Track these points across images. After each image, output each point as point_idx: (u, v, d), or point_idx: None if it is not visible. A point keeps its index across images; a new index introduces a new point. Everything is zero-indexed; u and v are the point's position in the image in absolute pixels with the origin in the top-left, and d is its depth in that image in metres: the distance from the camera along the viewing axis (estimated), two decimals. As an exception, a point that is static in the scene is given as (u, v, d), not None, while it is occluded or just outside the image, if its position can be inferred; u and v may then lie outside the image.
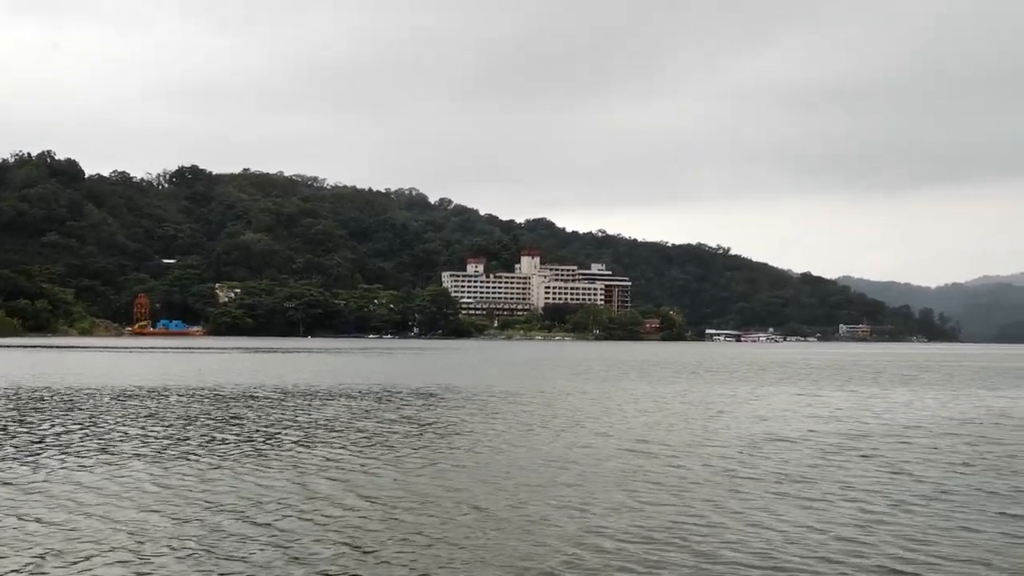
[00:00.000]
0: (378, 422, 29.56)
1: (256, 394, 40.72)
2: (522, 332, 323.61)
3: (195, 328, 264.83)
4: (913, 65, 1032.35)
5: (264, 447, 23.51)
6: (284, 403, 36.05)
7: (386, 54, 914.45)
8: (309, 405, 35.34)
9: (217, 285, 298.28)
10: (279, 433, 26.47)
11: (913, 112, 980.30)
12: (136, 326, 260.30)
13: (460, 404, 36.52)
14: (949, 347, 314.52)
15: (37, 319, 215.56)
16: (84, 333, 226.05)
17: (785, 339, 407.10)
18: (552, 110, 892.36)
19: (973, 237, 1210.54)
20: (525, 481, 18.52)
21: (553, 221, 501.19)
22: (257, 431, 26.94)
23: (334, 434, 26.27)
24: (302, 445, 23.83)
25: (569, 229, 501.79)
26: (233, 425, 28.37)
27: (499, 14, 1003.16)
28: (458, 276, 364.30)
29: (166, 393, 40.38)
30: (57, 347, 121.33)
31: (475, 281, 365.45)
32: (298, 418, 30.58)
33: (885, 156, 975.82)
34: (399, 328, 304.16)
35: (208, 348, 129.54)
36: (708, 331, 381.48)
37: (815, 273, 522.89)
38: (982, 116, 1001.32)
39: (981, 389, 52.08)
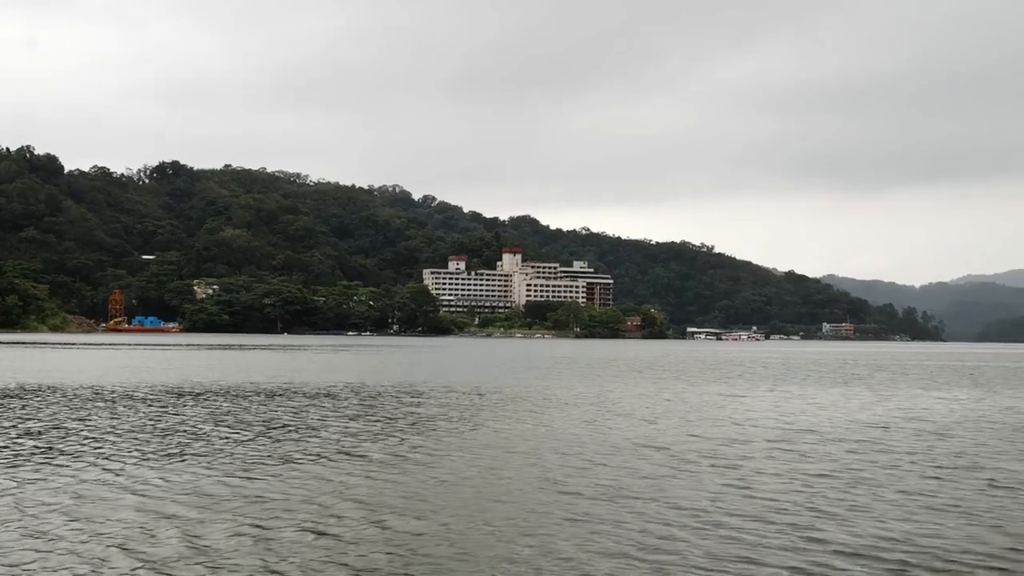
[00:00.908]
0: (243, 423, 28.52)
1: (139, 395, 39.58)
2: (502, 330, 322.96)
3: (171, 325, 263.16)
4: (899, 66, 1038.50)
5: (174, 449, 22.39)
6: (194, 402, 34.98)
7: (374, 53, 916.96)
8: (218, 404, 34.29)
9: (195, 281, 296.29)
10: (188, 432, 25.37)
11: (899, 112, 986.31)
12: (111, 323, 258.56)
13: (397, 401, 35.53)
14: (928, 346, 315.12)
15: (8, 315, 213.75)
16: (55, 329, 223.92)
17: (768, 337, 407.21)
18: (538, 109, 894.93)
19: (958, 236, 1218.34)
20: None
21: (537, 219, 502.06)
22: (158, 431, 25.85)
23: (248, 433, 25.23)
24: (217, 442, 22.77)
25: (553, 227, 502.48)
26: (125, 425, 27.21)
27: (486, 15, 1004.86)
28: (439, 273, 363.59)
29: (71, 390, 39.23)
30: (18, 344, 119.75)
31: (457, 278, 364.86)
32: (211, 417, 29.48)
33: (871, 156, 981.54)
34: (379, 325, 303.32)
35: (167, 345, 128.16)
36: (690, 329, 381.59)
37: (800, 272, 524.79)
38: (968, 117, 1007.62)
39: (919, 390, 51.27)
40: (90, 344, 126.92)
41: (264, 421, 29.56)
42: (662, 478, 19.41)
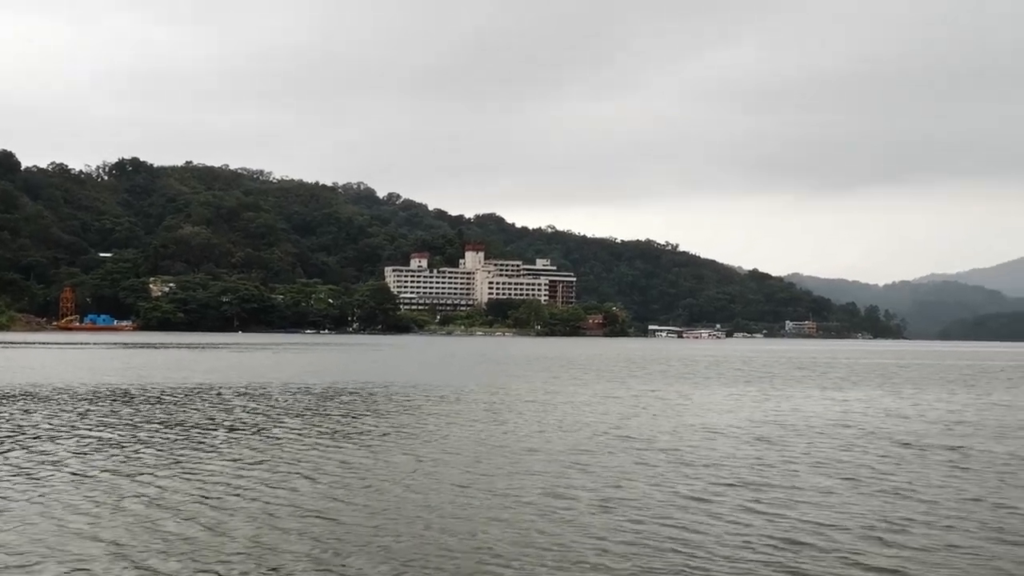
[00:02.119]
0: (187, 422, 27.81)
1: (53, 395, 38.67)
2: (463, 328, 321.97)
3: (124, 323, 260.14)
4: (865, 65, 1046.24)
5: (96, 456, 21.64)
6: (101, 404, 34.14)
7: (340, 50, 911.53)
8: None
9: (151, 279, 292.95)
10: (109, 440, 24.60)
11: (865, 112, 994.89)
12: (64, 321, 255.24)
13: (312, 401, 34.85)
14: (882, 344, 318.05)
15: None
16: (0, 328, 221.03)
17: (732, 335, 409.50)
18: (505, 106, 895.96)
19: (923, 236, 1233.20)
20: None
21: (503, 217, 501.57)
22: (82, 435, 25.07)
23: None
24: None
25: (519, 225, 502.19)
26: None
27: (453, 12, 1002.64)
28: (401, 271, 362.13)
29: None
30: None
31: (418, 276, 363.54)
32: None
33: (836, 155, 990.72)
34: (338, 323, 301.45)
35: (102, 344, 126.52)
36: (651, 327, 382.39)
37: (765, 271, 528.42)
38: (934, 116, 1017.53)
39: (817, 390, 51.11)
40: (23, 343, 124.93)
41: (137, 423, 28.85)
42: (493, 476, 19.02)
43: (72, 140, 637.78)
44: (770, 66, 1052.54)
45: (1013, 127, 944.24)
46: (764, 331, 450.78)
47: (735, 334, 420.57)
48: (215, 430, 27.53)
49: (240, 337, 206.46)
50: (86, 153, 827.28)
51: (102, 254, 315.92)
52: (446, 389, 45.70)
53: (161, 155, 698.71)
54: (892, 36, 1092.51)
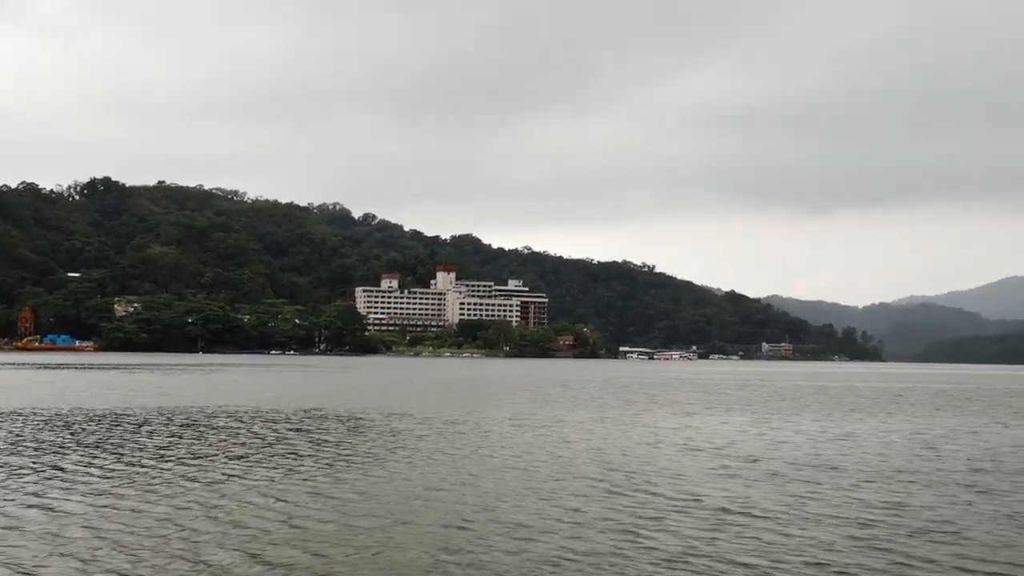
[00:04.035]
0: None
1: None
2: (431, 349, 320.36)
3: (86, 344, 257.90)
4: (844, 89, 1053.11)
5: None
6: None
7: (320, 68, 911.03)
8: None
9: (116, 300, 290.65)
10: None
11: (843, 135, 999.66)
12: (24, 341, 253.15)
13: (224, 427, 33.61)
14: (853, 366, 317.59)
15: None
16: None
17: (707, 357, 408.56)
18: (483, 128, 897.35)
19: (902, 258, 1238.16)
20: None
21: (479, 238, 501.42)
22: None
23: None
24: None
25: (496, 246, 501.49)
26: None
27: (429, 33, 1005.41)
28: (371, 292, 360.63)
29: None
30: None
31: (388, 297, 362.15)
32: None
33: (816, 178, 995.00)
34: (305, 344, 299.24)
35: (55, 365, 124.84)
36: (622, 349, 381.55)
37: (745, 293, 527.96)
38: (913, 140, 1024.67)
39: (749, 415, 49.73)
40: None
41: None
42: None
43: (44, 160, 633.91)
44: (749, 90, 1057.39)
45: (991, 150, 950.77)
46: (740, 353, 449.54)
47: (711, 356, 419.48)
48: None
49: (197, 358, 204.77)
50: (58, 173, 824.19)
51: (70, 274, 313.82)
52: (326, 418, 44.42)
53: (134, 175, 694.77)
54: (869, 60, 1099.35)
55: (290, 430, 35.02)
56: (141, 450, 27.90)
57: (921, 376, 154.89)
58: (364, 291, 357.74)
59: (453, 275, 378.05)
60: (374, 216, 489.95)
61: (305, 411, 44.99)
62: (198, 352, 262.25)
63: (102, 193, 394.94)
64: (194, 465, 24.59)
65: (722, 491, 21.41)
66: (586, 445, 31.23)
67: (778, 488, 22.03)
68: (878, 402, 63.91)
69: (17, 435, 31.65)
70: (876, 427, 41.13)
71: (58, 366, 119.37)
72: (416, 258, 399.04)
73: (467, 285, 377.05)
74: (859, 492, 21.57)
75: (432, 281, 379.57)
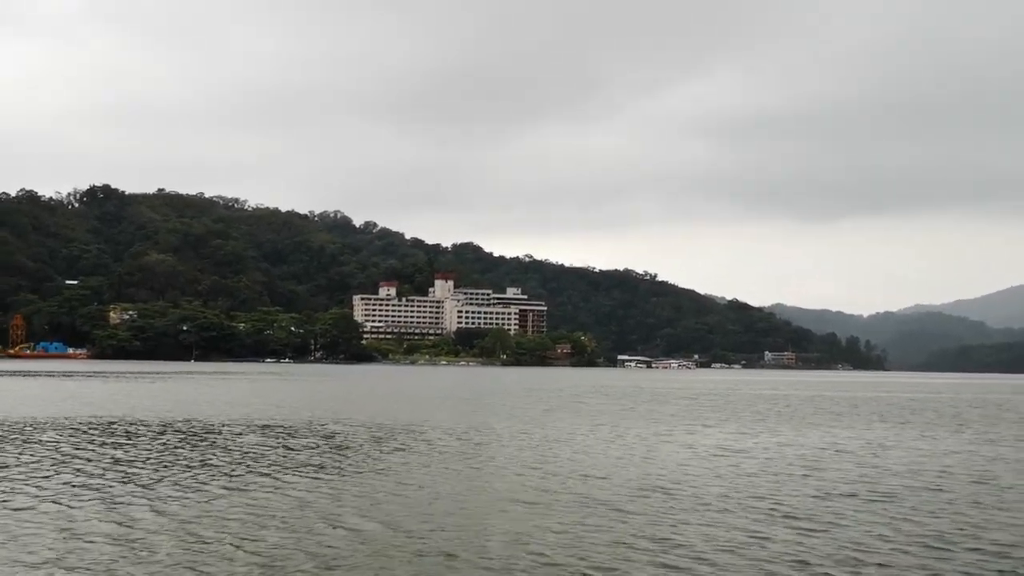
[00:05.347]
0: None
1: None
2: (428, 357, 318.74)
3: (79, 351, 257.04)
4: (848, 95, 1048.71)
5: None
6: None
7: (322, 79, 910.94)
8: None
9: (111, 307, 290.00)
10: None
11: (849, 142, 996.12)
12: (16, 348, 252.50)
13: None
14: (854, 375, 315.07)
15: None
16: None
17: (709, 366, 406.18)
18: (486, 136, 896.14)
19: (907, 267, 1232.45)
20: None
21: (480, 246, 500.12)
22: None
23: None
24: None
25: (497, 254, 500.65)
26: None
27: (431, 40, 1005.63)
28: (369, 299, 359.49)
29: None
30: None
31: (386, 305, 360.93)
32: None
33: (820, 186, 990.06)
34: (300, 352, 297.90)
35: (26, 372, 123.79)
36: (620, 357, 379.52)
37: (748, 301, 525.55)
38: (918, 147, 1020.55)
39: (708, 426, 47.57)
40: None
41: None
42: None
43: (44, 167, 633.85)
44: (753, 98, 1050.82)
45: (997, 158, 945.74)
46: (743, 362, 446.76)
47: (713, 364, 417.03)
48: None
49: (187, 366, 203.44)
50: (58, 180, 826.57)
51: (68, 281, 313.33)
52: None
53: (134, 183, 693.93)
54: (873, 68, 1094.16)
55: (157, 448, 33.53)
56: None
57: (895, 385, 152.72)
58: (362, 299, 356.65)
59: (452, 283, 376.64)
60: (375, 224, 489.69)
61: (204, 425, 43.47)
62: (191, 360, 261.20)
63: (102, 200, 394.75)
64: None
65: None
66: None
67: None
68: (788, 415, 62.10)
69: None
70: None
71: (36, 374, 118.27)
72: (415, 266, 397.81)
73: (465, 293, 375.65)
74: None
75: (431, 289, 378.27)
